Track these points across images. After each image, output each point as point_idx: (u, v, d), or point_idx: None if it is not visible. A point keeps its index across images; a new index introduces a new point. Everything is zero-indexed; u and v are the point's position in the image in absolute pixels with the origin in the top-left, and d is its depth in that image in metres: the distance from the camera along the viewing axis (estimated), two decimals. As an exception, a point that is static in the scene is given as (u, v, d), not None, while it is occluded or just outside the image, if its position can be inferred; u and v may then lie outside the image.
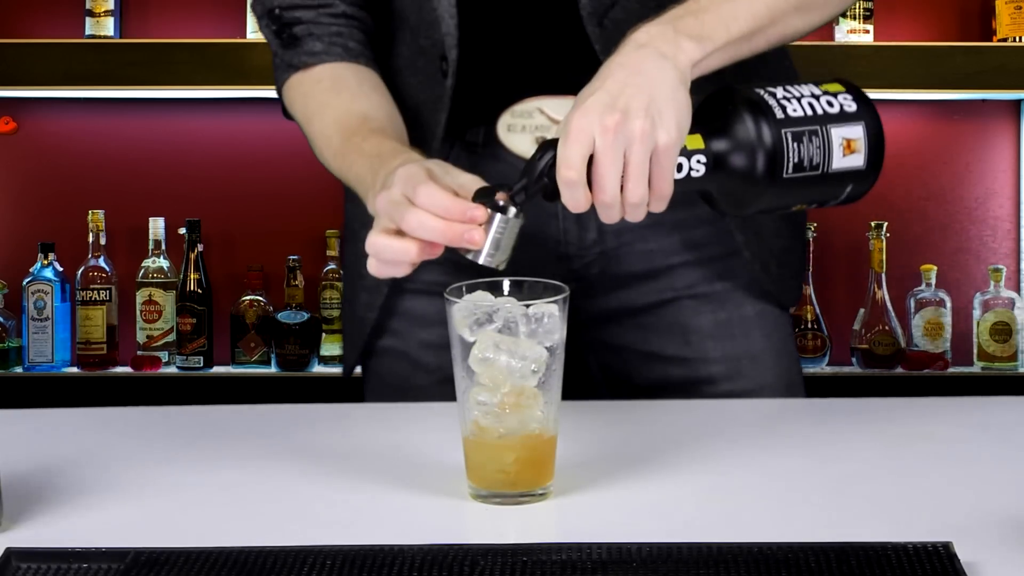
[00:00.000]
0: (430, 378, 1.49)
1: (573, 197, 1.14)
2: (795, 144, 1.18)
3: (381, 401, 1.54)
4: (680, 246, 1.48)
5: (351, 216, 1.53)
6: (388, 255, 1.16)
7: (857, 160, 1.21)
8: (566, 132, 1.14)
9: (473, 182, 1.17)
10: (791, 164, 1.19)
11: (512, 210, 1.14)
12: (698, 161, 1.17)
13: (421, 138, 1.42)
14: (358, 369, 1.57)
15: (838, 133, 1.20)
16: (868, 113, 1.22)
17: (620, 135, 1.13)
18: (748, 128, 1.18)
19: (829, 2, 1.36)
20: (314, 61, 1.44)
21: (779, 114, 1.19)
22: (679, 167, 1.17)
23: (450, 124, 1.43)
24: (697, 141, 1.17)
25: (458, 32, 1.39)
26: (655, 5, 1.28)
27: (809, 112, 1.20)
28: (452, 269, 1.33)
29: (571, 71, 1.33)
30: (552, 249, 1.47)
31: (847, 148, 1.20)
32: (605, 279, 1.49)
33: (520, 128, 1.39)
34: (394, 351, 1.52)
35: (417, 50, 1.45)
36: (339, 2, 1.45)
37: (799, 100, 1.20)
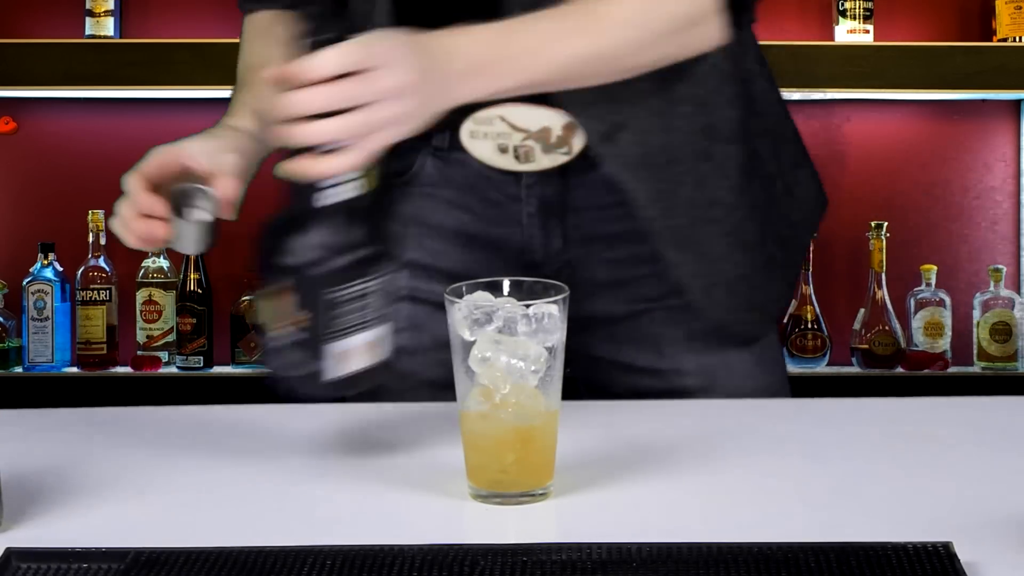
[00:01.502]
0: (402, 384, 1.47)
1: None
2: (350, 294, 1.15)
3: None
4: (649, 255, 1.42)
5: None
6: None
7: (334, 370, 1.16)
8: (360, 42, 1.15)
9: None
10: (333, 294, 1.14)
11: (194, 213, 1.13)
12: (350, 185, 1.16)
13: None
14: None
15: (361, 341, 1.16)
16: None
17: (380, 92, 1.15)
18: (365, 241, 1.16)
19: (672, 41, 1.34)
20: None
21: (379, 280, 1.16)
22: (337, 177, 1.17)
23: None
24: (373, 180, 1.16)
25: None
26: None
27: (367, 313, 1.16)
28: (424, 276, 1.33)
29: None
30: (517, 257, 1.44)
31: (343, 357, 1.15)
32: (573, 288, 1.46)
33: (482, 135, 1.39)
34: None
35: None
36: None
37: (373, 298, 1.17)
